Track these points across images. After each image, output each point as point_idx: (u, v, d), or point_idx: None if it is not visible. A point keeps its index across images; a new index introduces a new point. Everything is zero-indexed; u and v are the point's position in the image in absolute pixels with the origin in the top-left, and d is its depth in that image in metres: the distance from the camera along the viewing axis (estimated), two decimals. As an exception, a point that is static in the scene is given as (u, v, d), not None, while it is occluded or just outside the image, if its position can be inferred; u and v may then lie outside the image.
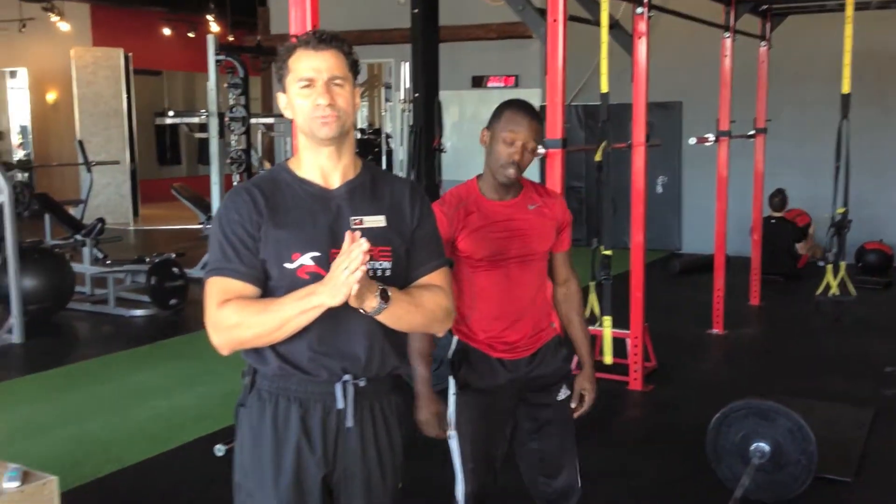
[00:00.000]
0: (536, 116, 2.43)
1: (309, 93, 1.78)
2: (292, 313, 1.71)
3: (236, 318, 1.73)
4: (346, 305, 1.72)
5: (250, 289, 1.77)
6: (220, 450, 3.88)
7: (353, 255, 1.63)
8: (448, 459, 2.53)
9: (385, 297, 1.73)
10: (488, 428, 2.48)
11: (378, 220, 1.83)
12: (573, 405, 2.57)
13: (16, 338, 6.08)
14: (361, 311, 1.73)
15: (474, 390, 2.46)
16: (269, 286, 1.79)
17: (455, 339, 2.50)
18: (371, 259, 1.76)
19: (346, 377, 1.82)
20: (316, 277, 1.75)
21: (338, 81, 1.79)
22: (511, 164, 2.38)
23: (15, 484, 2.82)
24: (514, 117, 2.40)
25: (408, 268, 1.87)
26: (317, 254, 1.77)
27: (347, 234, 1.67)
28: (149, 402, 4.91)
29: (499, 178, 2.41)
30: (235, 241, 1.78)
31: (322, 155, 1.83)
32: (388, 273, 1.83)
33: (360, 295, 1.68)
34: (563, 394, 2.55)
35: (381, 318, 1.77)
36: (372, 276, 1.78)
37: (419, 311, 1.84)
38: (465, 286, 2.47)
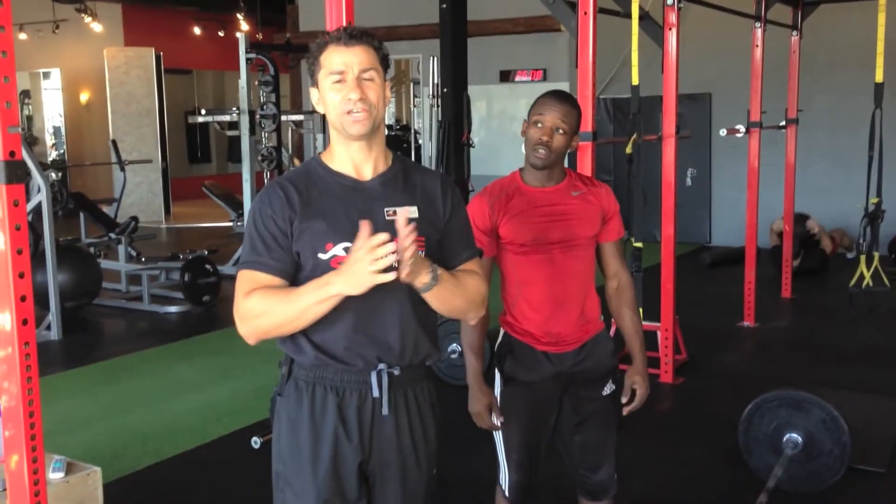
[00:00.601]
0: (569, 101, 2.45)
1: (340, 87, 1.81)
2: (310, 302, 1.75)
3: (260, 308, 1.78)
4: (380, 295, 1.76)
5: (278, 281, 1.81)
6: (256, 442, 3.96)
7: (382, 250, 1.64)
8: (492, 449, 2.57)
9: (436, 275, 1.77)
10: (533, 420, 2.49)
11: (412, 212, 1.86)
12: (624, 400, 2.54)
13: (54, 334, 6.21)
14: (412, 286, 1.76)
15: (519, 383, 2.48)
16: (304, 277, 1.82)
17: (501, 331, 2.53)
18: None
19: (381, 366, 1.86)
20: None
21: (368, 75, 1.82)
22: (540, 144, 2.40)
23: (60, 475, 2.90)
24: (544, 101, 2.44)
25: (440, 258, 1.91)
26: (349, 245, 1.79)
27: (363, 225, 1.67)
28: (185, 395, 4.99)
29: (531, 161, 2.44)
30: (267, 235, 1.82)
31: (353, 148, 1.87)
32: None
33: (415, 271, 1.72)
34: (608, 388, 2.55)
35: (428, 296, 1.80)
36: None
37: (463, 293, 1.88)
38: (510, 274, 2.49)
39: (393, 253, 1.66)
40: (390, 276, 1.67)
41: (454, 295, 1.86)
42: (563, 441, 2.57)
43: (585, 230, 2.48)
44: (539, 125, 2.41)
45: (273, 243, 1.81)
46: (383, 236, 1.64)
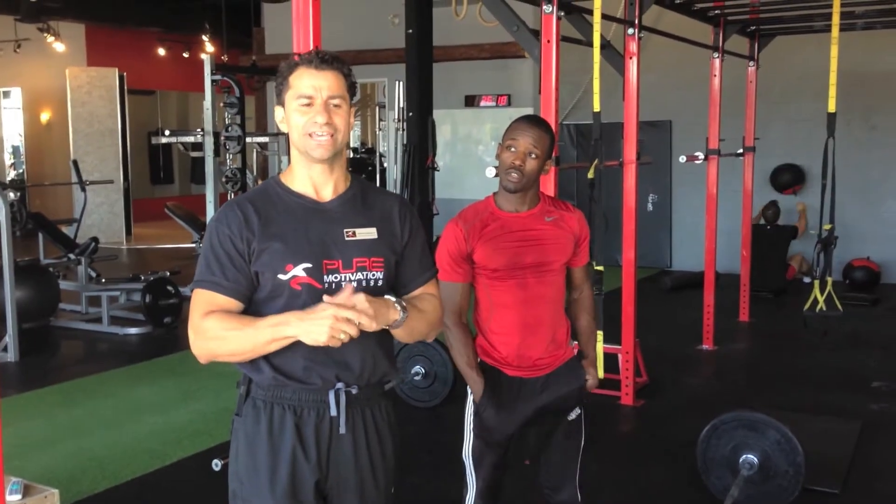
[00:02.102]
0: (542, 126, 2.50)
1: (307, 110, 1.84)
2: (265, 339, 1.77)
3: (214, 333, 1.79)
4: None
5: (233, 303, 1.82)
6: (217, 464, 3.91)
7: (345, 326, 1.70)
8: (456, 470, 2.60)
9: (404, 309, 1.83)
10: (499, 444, 2.53)
11: (370, 233, 1.90)
12: (588, 380, 2.61)
13: (11, 356, 6.11)
14: (382, 327, 1.81)
15: (489, 411, 2.50)
16: (265, 297, 1.84)
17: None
18: (364, 269, 1.85)
19: (339, 384, 1.87)
20: (308, 288, 1.81)
21: (336, 102, 1.85)
22: (513, 168, 2.44)
23: (17, 497, 2.86)
24: (518, 126, 2.49)
25: (398, 279, 1.95)
26: (309, 265, 1.83)
27: (347, 288, 1.75)
28: (145, 418, 4.93)
29: (504, 185, 2.48)
30: (223, 255, 1.83)
31: (315, 170, 1.89)
32: (380, 283, 1.89)
33: (380, 316, 1.78)
34: (574, 413, 2.59)
35: (397, 330, 1.86)
36: (365, 287, 1.85)
37: (424, 318, 1.93)
38: (482, 298, 2.52)
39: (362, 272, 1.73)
40: (345, 339, 1.73)
41: (419, 322, 1.91)
42: (531, 458, 2.61)
43: (558, 256, 2.53)
44: (512, 150, 2.45)
45: (228, 263, 1.82)
46: (352, 315, 1.71)
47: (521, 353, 2.50)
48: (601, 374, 4.87)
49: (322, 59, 1.85)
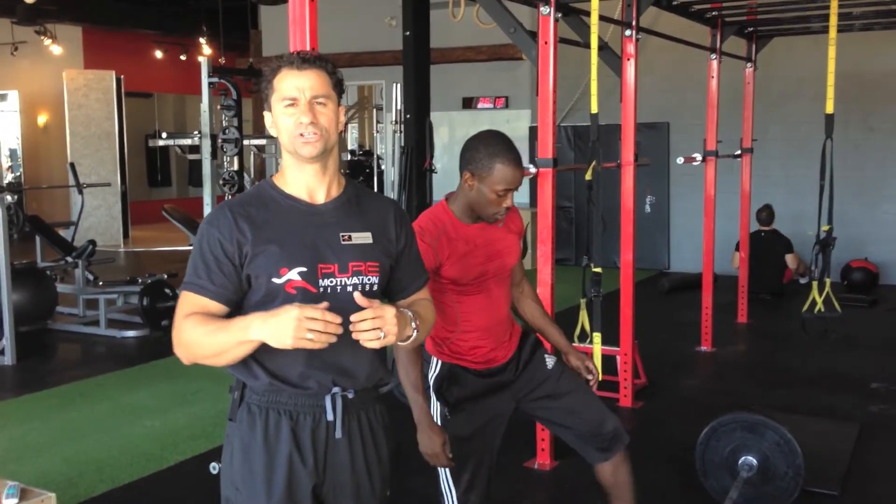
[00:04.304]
0: (520, 158, 2.49)
1: (292, 111, 1.82)
2: (230, 342, 1.73)
3: (188, 336, 1.77)
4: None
5: (217, 307, 1.80)
6: (214, 468, 3.89)
7: (314, 325, 1.64)
8: (436, 474, 2.58)
9: (416, 326, 1.84)
10: (487, 436, 2.52)
11: (366, 237, 1.88)
12: (589, 378, 2.62)
13: (8, 360, 6.09)
14: (398, 342, 1.80)
15: (468, 406, 2.49)
16: (259, 300, 1.82)
17: (437, 362, 2.53)
18: (360, 273, 1.84)
19: (336, 389, 1.86)
20: (303, 292, 1.80)
21: (321, 100, 1.83)
22: (502, 212, 2.47)
23: (13, 501, 2.84)
24: (507, 172, 2.41)
25: (395, 284, 1.96)
26: (303, 269, 1.81)
27: (357, 297, 1.73)
28: (142, 421, 4.92)
29: (487, 220, 2.49)
30: (210, 258, 1.81)
31: (307, 172, 1.87)
32: (375, 288, 1.88)
33: (401, 332, 1.77)
34: (550, 361, 2.62)
35: (405, 342, 1.85)
36: (361, 291, 1.84)
37: (426, 327, 1.94)
38: (449, 309, 2.50)
39: (321, 332, 1.65)
40: (314, 345, 1.67)
41: (423, 333, 1.92)
42: (557, 422, 2.61)
43: (512, 259, 2.60)
44: (503, 195, 2.43)
45: (216, 267, 1.80)
46: (316, 313, 1.65)
47: (489, 355, 2.55)
48: (600, 375, 4.88)
49: (303, 58, 1.84)
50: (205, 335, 1.76)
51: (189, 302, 1.80)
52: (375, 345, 1.74)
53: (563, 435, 2.64)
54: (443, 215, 2.50)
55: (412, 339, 1.85)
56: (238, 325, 1.73)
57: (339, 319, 1.67)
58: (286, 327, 1.64)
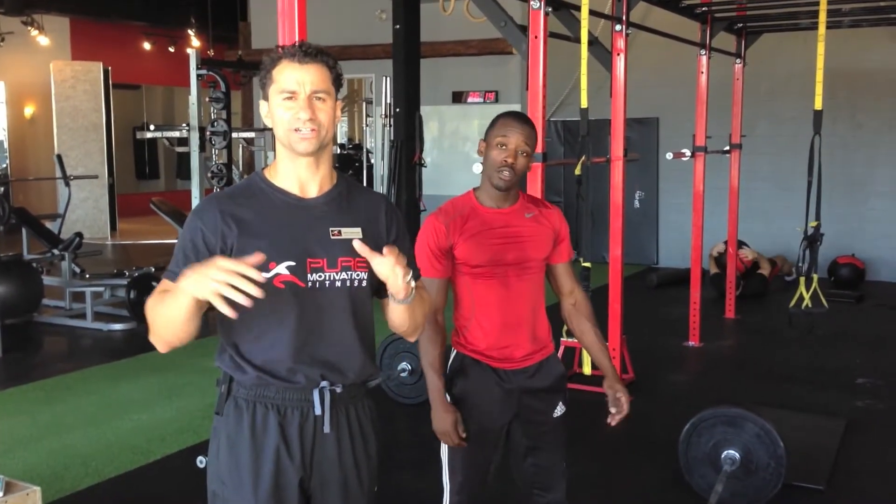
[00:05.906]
0: (530, 123, 2.48)
1: (291, 105, 1.79)
2: (174, 304, 1.66)
3: (149, 316, 1.75)
4: (323, 314, 1.80)
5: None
6: (201, 461, 3.89)
7: (242, 270, 1.57)
8: (437, 469, 2.57)
9: (414, 283, 1.83)
10: (479, 443, 2.49)
11: (355, 232, 1.85)
12: (612, 411, 2.54)
13: (-7, 352, 6.06)
14: (396, 300, 1.81)
15: (468, 405, 2.48)
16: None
17: (454, 351, 2.53)
18: (349, 269, 1.82)
19: (324, 383, 1.85)
20: (291, 286, 1.79)
21: (320, 96, 1.80)
22: (505, 166, 2.41)
23: (-3, 494, 2.83)
24: (506, 123, 2.44)
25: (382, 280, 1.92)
26: (292, 263, 1.79)
27: (257, 255, 1.63)
28: (129, 414, 4.90)
29: (494, 183, 2.44)
30: (189, 248, 1.80)
31: (300, 165, 1.85)
32: (363, 284, 1.87)
33: (406, 275, 1.76)
34: (559, 410, 2.57)
35: (399, 314, 1.85)
36: (349, 286, 1.83)
37: (424, 305, 1.94)
38: (464, 296, 2.49)
39: (237, 289, 1.56)
40: (228, 312, 1.59)
41: (420, 308, 1.91)
42: (517, 464, 2.58)
43: (538, 252, 2.51)
44: (503, 147, 2.41)
45: (193, 257, 1.77)
46: (243, 268, 1.57)
47: (503, 350, 2.48)
48: (587, 370, 4.90)
49: (305, 52, 1.81)
50: (158, 305, 1.72)
51: (163, 289, 1.77)
52: (407, 275, 1.74)
53: (514, 471, 2.62)
54: (465, 199, 2.52)
55: (412, 294, 1.81)
56: (177, 283, 1.67)
57: (259, 276, 1.58)
58: (205, 277, 1.58)
